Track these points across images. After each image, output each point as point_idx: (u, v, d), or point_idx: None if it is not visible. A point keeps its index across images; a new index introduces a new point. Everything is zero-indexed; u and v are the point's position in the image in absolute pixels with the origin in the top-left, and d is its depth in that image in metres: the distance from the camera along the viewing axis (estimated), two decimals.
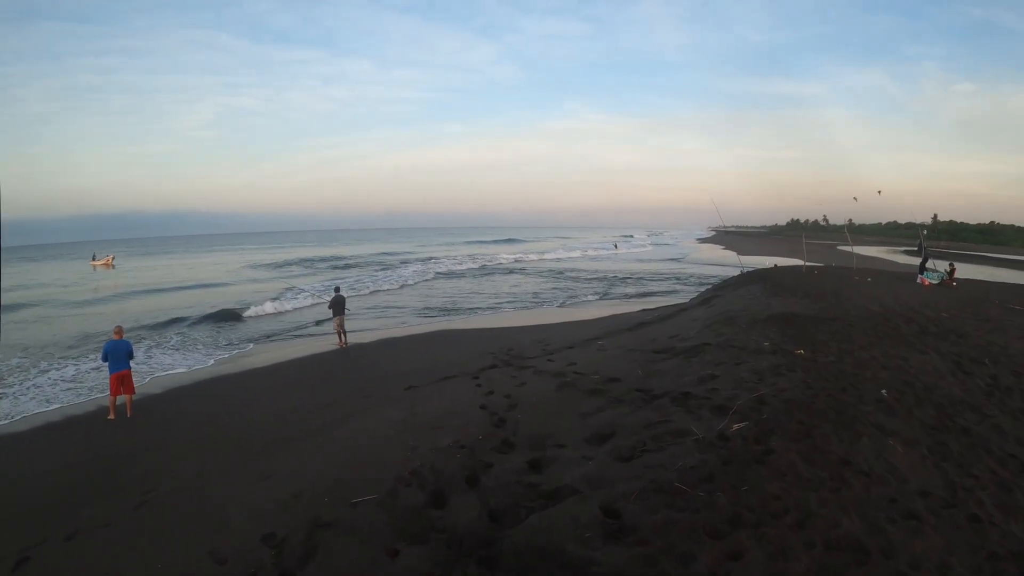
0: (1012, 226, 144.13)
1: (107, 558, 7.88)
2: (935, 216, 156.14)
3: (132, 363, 16.16)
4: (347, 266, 70.84)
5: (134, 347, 16.95)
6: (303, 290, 41.15)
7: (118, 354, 15.58)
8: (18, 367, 21.33)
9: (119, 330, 16.36)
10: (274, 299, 36.43)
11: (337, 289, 25.95)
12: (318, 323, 28.73)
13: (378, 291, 44.16)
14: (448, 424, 10.86)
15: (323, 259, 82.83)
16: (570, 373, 13.71)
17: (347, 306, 24.90)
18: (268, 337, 26.59)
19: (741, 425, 8.36)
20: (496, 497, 7.46)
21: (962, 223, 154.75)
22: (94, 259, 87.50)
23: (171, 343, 25.37)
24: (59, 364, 21.73)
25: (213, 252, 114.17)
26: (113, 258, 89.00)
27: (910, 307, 20.85)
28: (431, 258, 79.29)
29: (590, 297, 39.48)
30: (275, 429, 13.26)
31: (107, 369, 15.72)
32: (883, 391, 10.26)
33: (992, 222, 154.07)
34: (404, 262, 72.81)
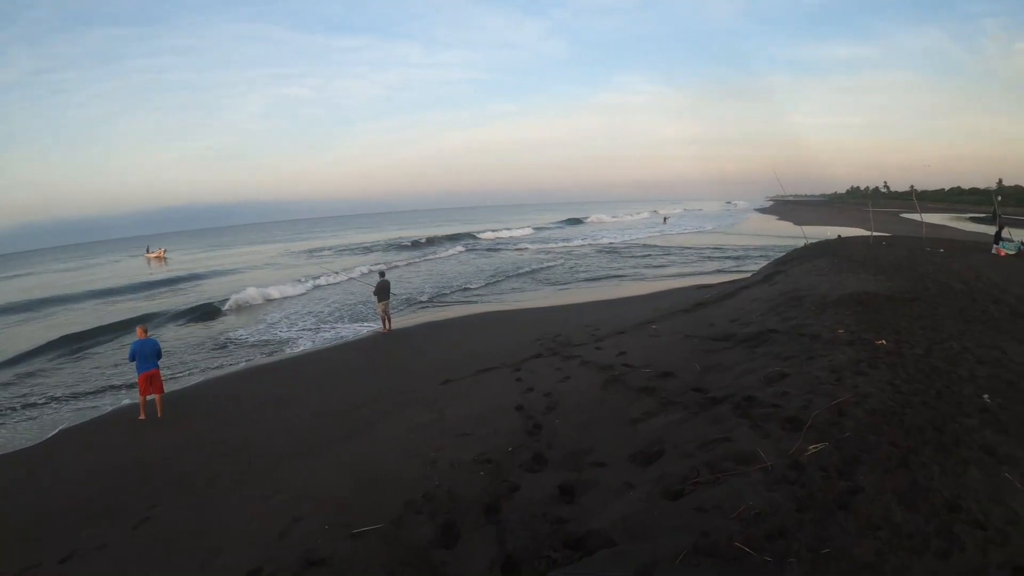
0: None
1: None
2: (1000, 180, 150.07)
3: (159, 362, 15.57)
4: (400, 247, 69.53)
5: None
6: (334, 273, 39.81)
7: (145, 353, 15.10)
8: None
9: (143, 329, 15.78)
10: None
11: (382, 274, 24.86)
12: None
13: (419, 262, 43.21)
14: (478, 431, 9.97)
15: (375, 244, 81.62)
16: (619, 365, 12.43)
17: (392, 290, 24.08)
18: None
19: (818, 447, 6.71)
20: (516, 536, 6.39)
21: None
22: (148, 252, 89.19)
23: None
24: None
25: (266, 242, 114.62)
26: (165, 251, 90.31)
27: (993, 283, 18.73)
28: (469, 235, 78.67)
29: (643, 272, 37.95)
30: (297, 436, 12.35)
31: (135, 369, 15.20)
32: (985, 396, 8.44)
33: None
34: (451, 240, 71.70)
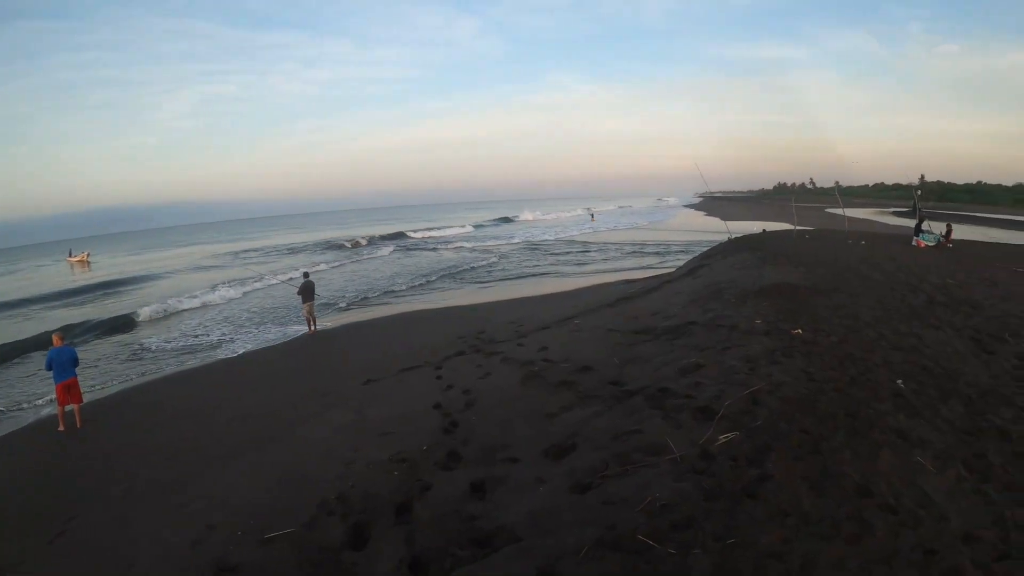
0: (999, 185, 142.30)
1: None
2: (922, 176, 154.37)
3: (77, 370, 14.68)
4: (327, 247, 68.04)
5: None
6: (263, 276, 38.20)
7: (62, 362, 14.22)
8: None
9: (59, 336, 15.02)
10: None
11: (306, 274, 24.30)
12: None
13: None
14: (397, 429, 9.87)
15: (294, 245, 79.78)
16: (539, 361, 12.33)
17: (317, 291, 23.54)
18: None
19: (729, 436, 6.61)
20: (425, 535, 6.28)
21: (949, 183, 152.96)
22: (70, 255, 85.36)
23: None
24: None
25: (193, 244, 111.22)
26: (88, 254, 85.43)
27: (913, 273, 19.09)
28: (400, 234, 77.62)
29: (570, 268, 37.82)
30: (218, 441, 11.83)
31: (52, 379, 14.36)
32: (899, 381, 8.49)
33: (979, 182, 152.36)
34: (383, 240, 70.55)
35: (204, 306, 30.59)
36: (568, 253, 47.97)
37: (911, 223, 35.54)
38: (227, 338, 22.71)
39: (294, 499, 7.72)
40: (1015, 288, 17.58)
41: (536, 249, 52.82)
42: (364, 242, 66.77)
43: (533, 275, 35.98)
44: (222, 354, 20.11)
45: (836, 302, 13.96)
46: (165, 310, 29.48)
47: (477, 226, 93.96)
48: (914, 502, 5.47)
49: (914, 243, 30.69)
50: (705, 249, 33.56)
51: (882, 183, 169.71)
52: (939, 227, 32.74)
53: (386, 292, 31.94)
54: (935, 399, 8.01)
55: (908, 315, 13.10)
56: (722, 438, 6.60)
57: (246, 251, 72.12)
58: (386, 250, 58.31)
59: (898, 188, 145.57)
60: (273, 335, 22.84)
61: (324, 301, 28.14)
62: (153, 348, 21.77)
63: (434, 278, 36.08)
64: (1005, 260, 25.14)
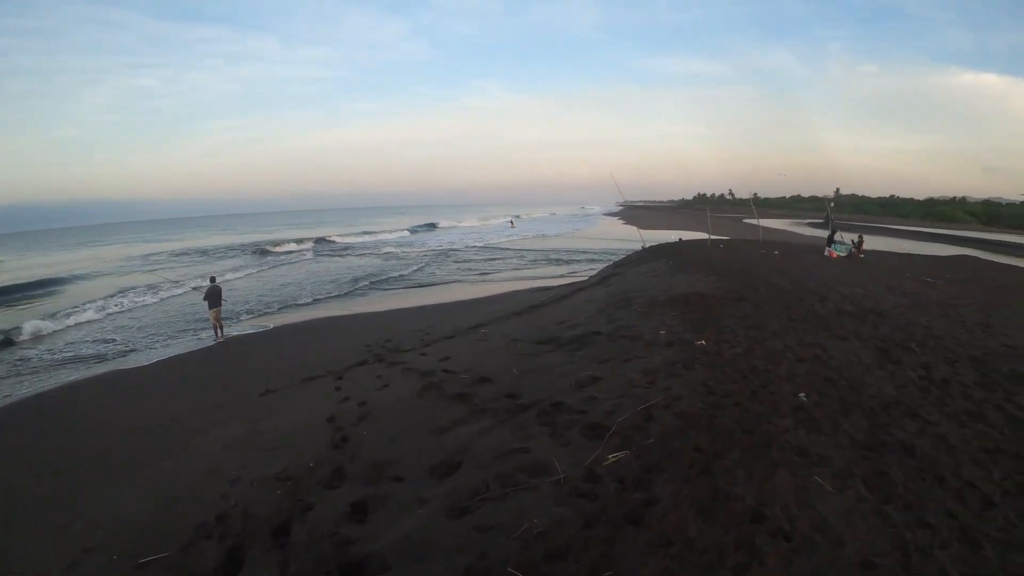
0: (911, 199, 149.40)
1: None
2: (837, 189, 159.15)
3: None
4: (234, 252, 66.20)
5: None
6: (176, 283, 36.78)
7: None
8: None
9: None
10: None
11: (213, 279, 23.56)
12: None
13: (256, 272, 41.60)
14: (287, 444, 9.52)
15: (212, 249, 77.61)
16: (439, 371, 11.92)
17: (223, 296, 22.79)
18: None
19: (618, 455, 6.22)
20: (299, 560, 5.89)
21: (863, 196, 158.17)
22: None
23: None
24: None
25: (105, 244, 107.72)
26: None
27: (822, 282, 19.29)
28: (321, 239, 76.14)
29: (483, 276, 37.45)
30: (106, 458, 11.13)
31: None
32: (801, 394, 8.25)
33: (892, 195, 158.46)
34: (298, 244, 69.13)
35: (105, 314, 29.29)
36: (486, 260, 47.84)
37: (825, 234, 36.15)
38: (128, 348, 21.65)
39: (175, 519, 7.38)
40: (923, 297, 17.89)
41: (456, 255, 52.54)
42: (282, 247, 65.40)
43: (449, 282, 35.74)
44: (122, 364, 19.15)
45: (743, 311, 13.87)
46: (61, 318, 28.06)
47: (399, 231, 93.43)
48: (810, 526, 5.16)
49: (826, 253, 31.31)
50: (620, 257, 33.56)
51: (798, 195, 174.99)
52: (852, 238, 33.34)
53: (300, 298, 31.02)
54: (837, 412, 7.79)
55: (815, 325, 13.05)
56: (611, 457, 6.22)
57: (158, 253, 70.04)
58: (305, 255, 57.27)
59: (813, 200, 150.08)
60: (177, 344, 21.89)
61: (235, 307, 27.31)
62: (46, 359, 20.61)
63: (352, 284, 35.25)
64: (914, 270, 25.64)
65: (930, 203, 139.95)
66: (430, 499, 6.40)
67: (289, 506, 7.06)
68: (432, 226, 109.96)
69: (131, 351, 21.11)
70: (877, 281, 20.72)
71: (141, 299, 32.30)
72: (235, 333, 22.47)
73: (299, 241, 72.43)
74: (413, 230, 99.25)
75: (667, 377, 8.71)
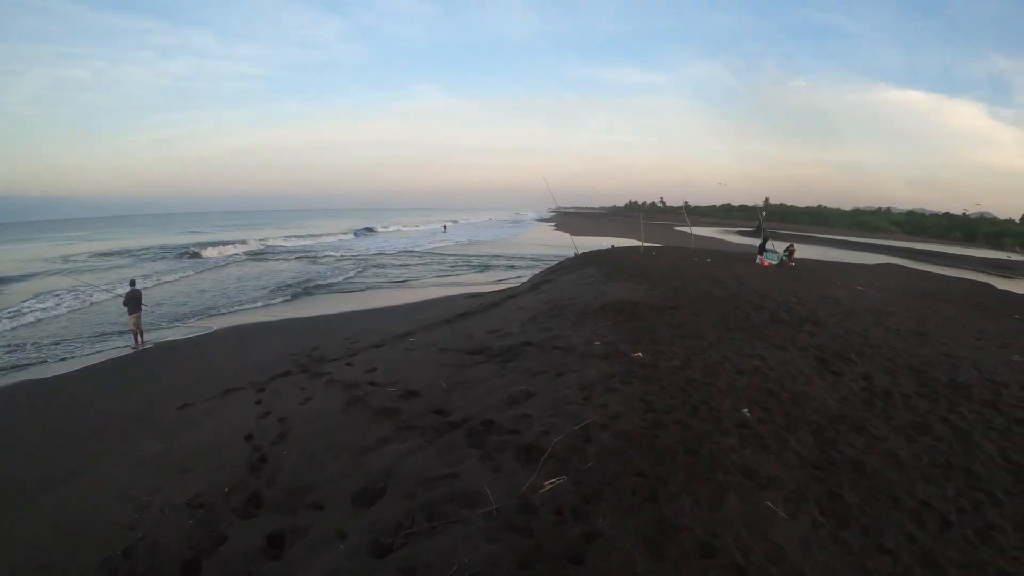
0: (838, 209, 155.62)
1: None
2: (767, 199, 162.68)
3: None
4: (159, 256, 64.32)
5: None
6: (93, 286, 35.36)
7: None
8: None
9: None
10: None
11: (133, 283, 22.40)
12: None
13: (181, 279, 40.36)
14: (201, 465, 9.10)
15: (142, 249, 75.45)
16: (364, 384, 11.42)
17: (144, 301, 21.67)
18: None
19: (555, 482, 5.72)
20: None
21: (792, 206, 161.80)
22: None
23: None
24: None
25: (22, 240, 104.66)
26: None
27: (756, 291, 19.18)
28: (249, 240, 74.65)
29: (413, 282, 36.90)
30: (9, 478, 10.26)
31: None
32: (745, 410, 7.89)
33: (820, 205, 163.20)
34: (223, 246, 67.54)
35: (16, 321, 27.89)
36: (419, 264, 47.46)
37: (755, 242, 36.35)
38: (40, 357, 20.60)
39: (78, 552, 6.99)
40: (855, 305, 17.90)
41: (388, 260, 51.92)
42: (213, 249, 63.76)
43: (380, 286, 35.24)
44: (32, 375, 18.10)
45: (679, 320, 13.58)
46: None
47: (333, 235, 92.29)
48: (765, 558, 4.77)
49: (758, 261, 31.45)
50: (552, 264, 33.32)
51: (728, 204, 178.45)
52: (782, 246, 33.52)
53: (228, 303, 30.01)
54: (783, 428, 7.46)
55: (752, 334, 12.85)
56: (547, 484, 5.72)
57: (79, 254, 67.74)
58: (237, 258, 55.94)
59: (743, 209, 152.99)
60: (94, 352, 20.79)
61: (157, 312, 26.27)
62: None
63: (283, 289, 34.34)
64: (844, 278, 25.83)
65: (856, 213, 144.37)
66: (351, 532, 5.95)
67: (200, 538, 6.66)
68: (369, 230, 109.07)
69: (42, 361, 20.09)
70: (810, 290, 20.77)
71: (53, 304, 30.99)
72: (157, 340, 21.44)
73: (229, 243, 70.91)
74: (346, 234, 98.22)
75: (603, 392, 8.26)
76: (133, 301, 20.97)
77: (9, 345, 21.95)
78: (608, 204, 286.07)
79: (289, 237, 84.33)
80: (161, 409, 12.95)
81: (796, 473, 6.30)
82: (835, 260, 43.06)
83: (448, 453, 7.13)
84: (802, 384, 9.43)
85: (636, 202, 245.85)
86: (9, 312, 28.60)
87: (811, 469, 6.43)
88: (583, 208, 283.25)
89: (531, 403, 8.25)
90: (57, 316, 28.18)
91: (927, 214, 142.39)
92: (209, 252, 60.87)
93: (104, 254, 65.45)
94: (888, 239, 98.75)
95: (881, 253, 63.18)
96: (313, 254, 59.44)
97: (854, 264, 38.93)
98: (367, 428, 8.97)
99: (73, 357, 20.03)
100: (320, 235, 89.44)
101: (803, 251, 43.99)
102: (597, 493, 5.50)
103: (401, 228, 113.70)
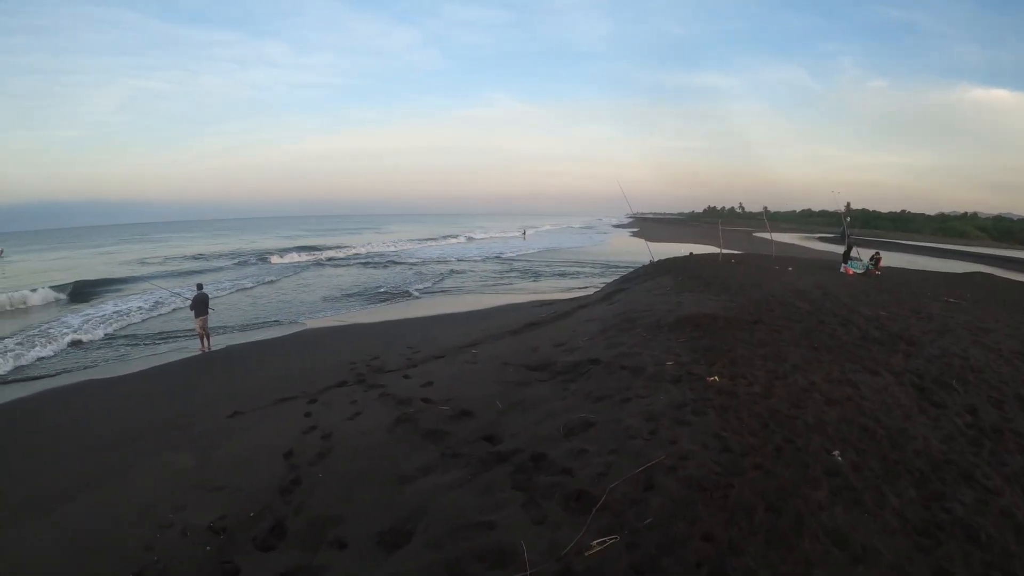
0: (922, 214, 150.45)
1: None
2: (848, 204, 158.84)
3: None
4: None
5: None
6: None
7: None
8: None
9: None
10: None
11: (200, 287, 22.60)
12: None
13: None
14: (232, 483, 8.58)
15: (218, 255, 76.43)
16: (417, 400, 10.85)
17: (211, 305, 21.95)
18: None
19: (605, 542, 4.76)
20: None
21: (874, 211, 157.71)
22: None
23: None
24: None
25: (106, 244, 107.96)
26: (1, 252, 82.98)
27: (842, 303, 17.69)
28: (321, 247, 76.31)
29: (487, 288, 36.91)
30: (45, 481, 10.26)
31: None
32: (836, 453, 6.71)
33: (903, 210, 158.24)
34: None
35: (90, 321, 28.05)
36: (493, 271, 47.56)
37: (838, 249, 34.83)
38: (104, 357, 20.62)
39: (90, 572, 6.68)
40: (950, 321, 16.26)
41: (463, 266, 52.31)
42: (284, 256, 64.25)
43: (450, 292, 35.51)
44: (99, 374, 18.23)
45: (759, 337, 12.29)
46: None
47: (405, 241, 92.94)
48: None
49: (842, 270, 29.82)
50: (627, 271, 32.42)
51: (809, 209, 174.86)
52: (867, 254, 31.94)
53: (296, 307, 30.49)
54: (879, 478, 6.25)
55: (841, 355, 11.43)
56: (596, 545, 4.77)
57: (157, 257, 69.25)
58: (307, 264, 56.51)
59: (824, 215, 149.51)
60: (160, 353, 21.03)
61: (228, 317, 26.27)
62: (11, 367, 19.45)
63: (354, 294, 34.63)
64: (934, 289, 24.23)
65: (941, 218, 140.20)
66: None
67: (212, 571, 6.26)
68: (440, 237, 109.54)
69: (111, 360, 20.13)
70: (900, 302, 19.14)
71: (126, 306, 31.27)
72: (224, 344, 21.51)
73: (301, 248, 72.01)
74: (419, 241, 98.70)
75: (673, 425, 7.22)
76: (200, 304, 21.11)
77: (83, 343, 22.28)
78: (686, 210, 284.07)
79: (367, 244, 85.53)
80: (210, 416, 12.71)
81: (898, 541, 5.12)
82: (923, 268, 40.98)
83: (488, 494, 6.28)
84: (900, 419, 8.05)
85: (715, 207, 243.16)
86: (92, 313, 29.13)
87: (915, 535, 5.24)
88: (661, 214, 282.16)
89: (590, 434, 7.30)
90: (138, 321, 28.43)
91: (1015, 219, 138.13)
92: (280, 260, 61.08)
93: (179, 258, 66.90)
94: (975, 245, 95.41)
95: (967, 260, 60.29)
96: (388, 260, 59.72)
97: (940, 272, 36.94)
98: (410, 453, 8.34)
99: (138, 358, 20.11)
100: (394, 242, 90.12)
101: (888, 259, 42.19)
102: (654, 562, 4.51)
103: (482, 236, 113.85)
